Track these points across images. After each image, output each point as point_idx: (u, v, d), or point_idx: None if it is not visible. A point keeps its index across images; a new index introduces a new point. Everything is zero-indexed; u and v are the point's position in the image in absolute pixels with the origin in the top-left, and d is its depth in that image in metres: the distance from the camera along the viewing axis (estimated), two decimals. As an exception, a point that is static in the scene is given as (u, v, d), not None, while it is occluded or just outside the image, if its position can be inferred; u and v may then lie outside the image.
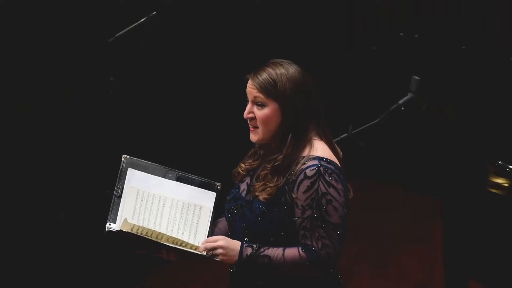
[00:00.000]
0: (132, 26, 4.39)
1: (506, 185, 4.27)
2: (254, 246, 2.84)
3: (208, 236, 2.96)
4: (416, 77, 3.79)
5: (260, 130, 2.90)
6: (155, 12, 4.40)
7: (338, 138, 3.72)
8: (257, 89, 2.88)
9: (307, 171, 2.82)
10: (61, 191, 5.13)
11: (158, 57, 5.64)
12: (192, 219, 2.98)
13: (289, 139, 2.87)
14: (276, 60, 2.94)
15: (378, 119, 3.76)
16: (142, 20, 4.39)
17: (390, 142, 6.77)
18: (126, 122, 4.96)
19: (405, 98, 3.77)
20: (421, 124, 6.17)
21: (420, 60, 6.80)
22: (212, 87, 6.20)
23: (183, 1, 5.34)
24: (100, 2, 5.26)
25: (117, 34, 4.40)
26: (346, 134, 3.77)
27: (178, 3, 4.99)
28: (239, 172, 3.03)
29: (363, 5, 7.21)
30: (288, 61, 2.94)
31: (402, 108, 3.75)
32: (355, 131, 3.77)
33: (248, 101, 2.93)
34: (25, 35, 4.85)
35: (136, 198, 2.97)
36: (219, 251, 2.86)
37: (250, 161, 3.03)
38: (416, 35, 6.94)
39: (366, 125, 3.79)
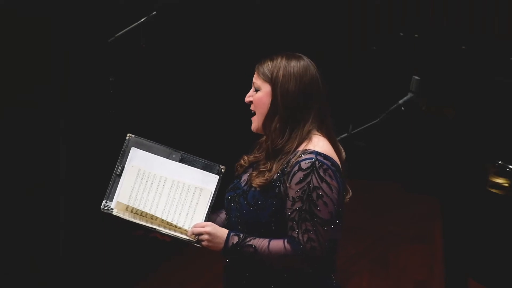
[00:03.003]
0: (132, 26, 4.39)
1: (506, 185, 4.27)
2: (241, 235, 2.86)
3: (205, 219, 2.97)
4: (416, 77, 3.79)
5: (256, 116, 2.97)
6: (155, 12, 4.40)
7: (338, 138, 3.72)
8: (257, 74, 2.97)
9: (302, 163, 2.84)
10: (61, 191, 5.13)
11: (158, 57, 5.64)
12: (191, 201, 2.98)
13: (274, 122, 2.91)
14: (289, 52, 3.00)
15: (378, 119, 3.76)
16: (142, 20, 4.39)
17: (390, 142, 6.77)
18: (127, 122, 4.96)
19: (405, 98, 3.77)
20: (421, 124, 6.17)
21: (420, 60, 6.80)
22: (212, 88, 6.20)
23: (183, 1, 5.34)
24: (100, 2, 5.26)
25: (117, 34, 4.40)
26: (346, 134, 3.78)
27: (178, 3, 4.99)
28: (241, 165, 3.07)
29: (363, 5, 7.21)
30: (300, 54, 3.00)
31: (402, 108, 3.75)
32: (355, 131, 3.78)
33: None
34: (25, 35, 4.85)
35: (136, 177, 2.98)
36: (205, 237, 2.88)
37: (254, 154, 3.07)
38: (416, 35, 6.94)
39: (366, 125, 3.79)
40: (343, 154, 2.99)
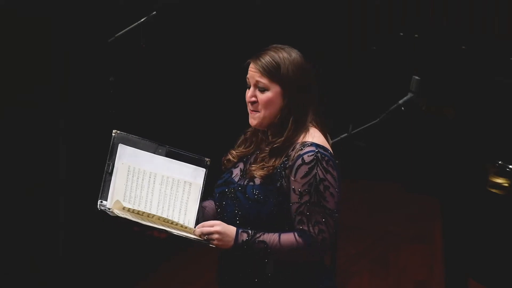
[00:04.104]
0: (132, 26, 4.39)
1: (506, 185, 4.27)
2: (250, 231, 2.85)
3: (198, 214, 2.97)
4: (416, 77, 3.79)
5: (261, 114, 2.93)
6: (155, 12, 4.40)
7: (338, 138, 3.73)
8: (260, 72, 2.91)
9: (305, 156, 2.84)
10: (61, 191, 5.13)
11: (158, 57, 5.64)
12: (182, 196, 2.98)
13: (290, 122, 2.91)
14: (277, 45, 2.98)
15: (378, 119, 3.76)
16: (142, 20, 4.39)
17: (390, 142, 6.77)
18: (127, 122, 4.96)
19: (405, 98, 3.76)
20: (421, 124, 6.17)
21: (420, 60, 6.80)
22: (212, 88, 6.20)
23: (183, 1, 5.34)
24: (100, 2, 5.26)
25: (117, 34, 4.40)
26: (346, 134, 3.77)
27: (178, 3, 4.99)
28: (229, 159, 3.06)
29: (363, 5, 7.21)
30: (288, 46, 2.98)
31: (402, 108, 3.75)
32: (355, 131, 3.77)
33: (248, 85, 2.96)
34: (25, 35, 4.85)
35: (127, 175, 2.97)
36: (215, 236, 2.86)
37: (241, 148, 3.06)
38: (416, 35, 6.95)
39: (366, 125, 3.78)
40: (330, 142, 3.00)
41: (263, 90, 2.91)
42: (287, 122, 2.91)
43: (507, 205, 4.21)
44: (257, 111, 2.94)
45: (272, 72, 2.89)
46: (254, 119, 2.95)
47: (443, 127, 5.68)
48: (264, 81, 2.90)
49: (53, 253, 5.12)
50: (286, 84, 2.89)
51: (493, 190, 4.28)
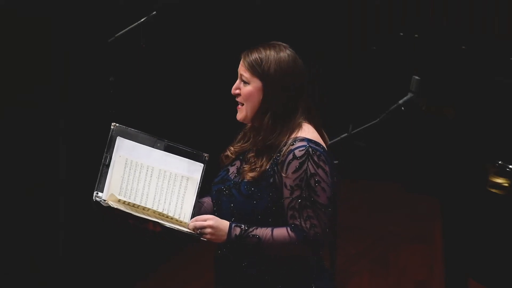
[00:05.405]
0: (132, 26, 4.39)
1: (506, 185, 4.27)
2: (243, 226, 2.87)
3: (194, 209, 2.98)
4: (416, 77, 3.79)
5: (244, 107, 2.97)
6: (155, 12, 4.40)
7: (338, 138, 3.73)
8: (244, 66, 2.96)
9: (296, 151, 2.86)
10: (61, 191, 5.13)
11: (158, 57, 5.65)
12: (179, 190, 2.99)
13: (266, 119, 2.92)
14: (274, 42, 3.02)
15: (378, 119, 3.76)
16: (142, 20, 4.39)
17: (390, 142, 6.77)
18: (127, 122, 4.95)
19: (405, 98, 3.77)
20: (421, 124, 6.17)
21: (420, 60, 6.80)
22: (211, 87, 6.19)
23: (183, 1, 5.35)
24: (100, 2, 5.26)
25: (117, 34, 4.40)
26: (346, 134, 3.77)
27: (178, 3, 5.00)
28: (227, 156, 3.08)
29: (363, 5, 7.21)
30: (285, 44, 3.01)
31: (402, 108, 3.75)
32: (355, 131, 3.77)
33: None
34: (25, 35, 4.85)
35: (125, 168, 2.97)
36: (208, 230, 2.88)
37: (240, 144, 3.08)
38: (416, 35, 6.95)
39: (366, 125, 3.79)
40: (327, 139, 3.02)
41: (245, 83, 2.96)
42: (274, 124, 2.93)
43: (507, 205, 4.21)
44: (241, 104, 2.97)
45: (254, 67, 2.93)
46: (239, 113, 3.00)
47: (443, 127, 5.67)
48: (246, 74, 2.95)
49: (53, 253, 5.12)
50: (267, 81, 2.92)
51: (493, 190, 4.28)
